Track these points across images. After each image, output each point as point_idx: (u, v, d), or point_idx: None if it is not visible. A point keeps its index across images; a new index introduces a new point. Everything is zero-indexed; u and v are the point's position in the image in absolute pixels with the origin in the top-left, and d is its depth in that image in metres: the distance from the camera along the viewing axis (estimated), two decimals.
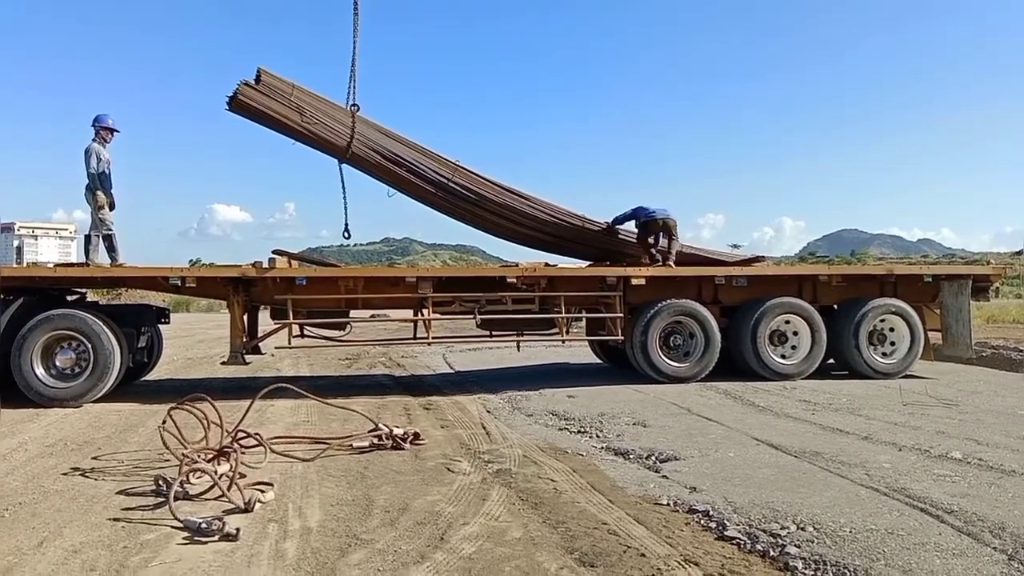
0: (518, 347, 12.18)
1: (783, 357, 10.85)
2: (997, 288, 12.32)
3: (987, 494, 5.01)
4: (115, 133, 10.44)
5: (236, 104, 10.27)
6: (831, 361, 11.28)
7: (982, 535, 4.19)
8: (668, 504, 4.95)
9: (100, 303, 11.68)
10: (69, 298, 10.42)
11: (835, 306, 11.33)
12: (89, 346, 9.21)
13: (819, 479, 5.48)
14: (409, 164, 10.80)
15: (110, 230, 10.26)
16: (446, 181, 10.91)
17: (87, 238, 10.31)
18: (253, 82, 10.27)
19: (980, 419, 7.85)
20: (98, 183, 10.15)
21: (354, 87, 10.78)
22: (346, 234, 11.77)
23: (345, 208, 11.79)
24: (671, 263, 11.07)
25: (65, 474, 5.86)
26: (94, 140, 10.23)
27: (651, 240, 11.42)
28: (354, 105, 10.70)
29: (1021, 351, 13.66)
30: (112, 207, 10.31)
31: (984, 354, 13.29)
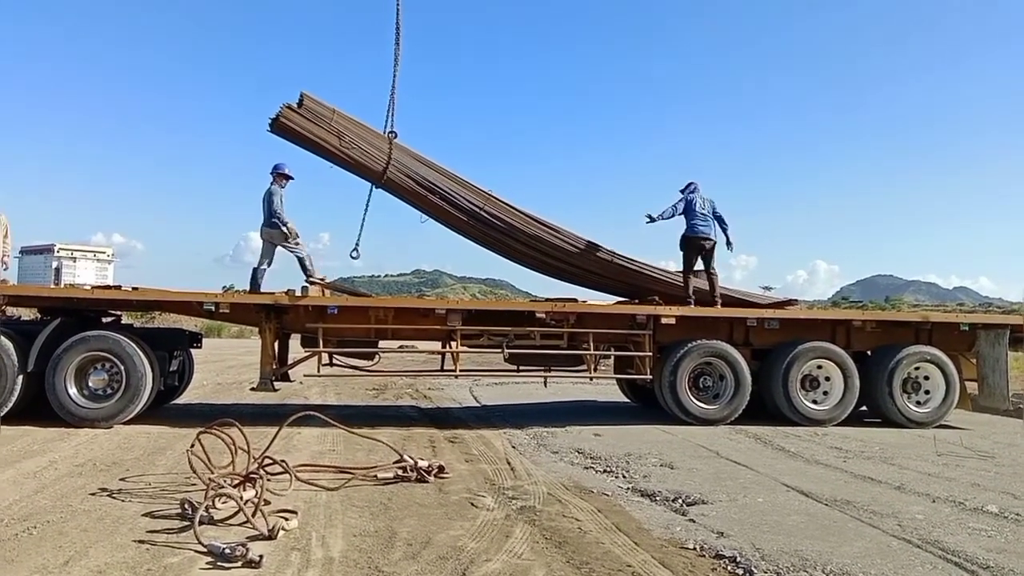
0: (545, 383, 12.13)
1: (815, 402, 10.69)
2: None
3: None
4: (290, 180, 11.21)
5: (278, 126, 10.53)
6: (863, 408, 11.09)
7: None
8: (695, 548, 4.87)
9: (134, 326, 11.84)
10: (104, 320, 10.58)
11: (869, 352, 11.15)
12: (122, 368, 9.32)
13: (850, 528, 5.37)
14: (442, 192, 10.94)
15: (302, 254, 11.04)
16: (478, 210, 11.01)
17: (255, 272, 11.00)
18: (296, 105, 10.54)
19: (1017, 472, 7.65)
20: (282, 220, 10.83)
21: (392, 115, 11.02)
22: (355, 253, 11.72)
23: (361, 228, 11.94)
24: (717, 301, 11.04)
25: (93, 494, 5.91)
26: (273, 184, 10.99)
27: (694, 263, 11.36)
28: (392, 132, 10.93)
29: None
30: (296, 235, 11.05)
31: (1022, 406, 12.98)
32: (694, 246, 11.26)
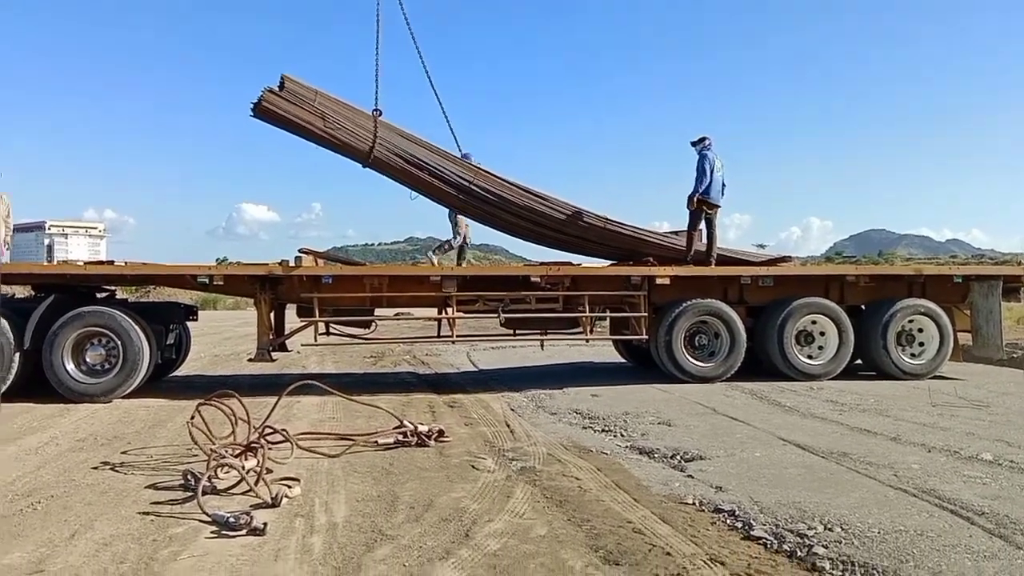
0: (542, 346, 12.17)
1: (810, 357, 10.76)
2: None
3: (1019, 496, 4.93)
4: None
5: (260, 110, 10.37)
6: (859, 362, 11.17)
7: (1014, 537, 4.13)
8: (694, 503, 4.93)
9: (129, 300, 11.82)
10: (99, 295, 10.56)
11: (863, 306, 11.21)
12: (119, 343, 9.33)
13: (847, 480, 5.43)
14: (431, 168, 10.83)
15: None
16: (468, 184, 10.92)
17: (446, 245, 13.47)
18: (277, 88, 10.35)
19: (1011, 420, 7.73)
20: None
21: (377, 92, 10.85)
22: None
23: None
24: (713, 260, 11.04)
25: (95, 468, 5.94)
26: None
27: (701, 225, 11.29)
28: (376, 110, 10.76)
29: None
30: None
31: (1015, 355, 13.10)
32: (703, 209, 11.17)
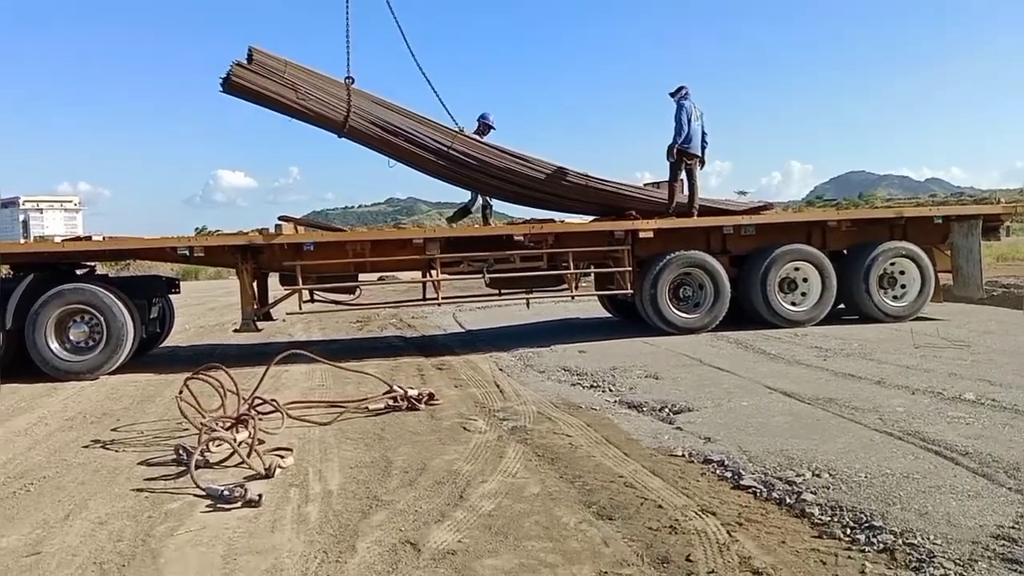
0: (528, 304, 12.19)
1: (793, 304, 10.84)
2: (1008, 227, 12.22)
3: (1001, 435, 5.02)
4: (492, 129, 12.08)
5: (231, 85, 10.09)
6: (842, 306, 11.27)
7: (997, 476, 4.22)
8: (683, 455, 5.00)
9: (109, 276, 11.72)
10: (78, 272, 10.46)
11: (845, 251, 11.27)
12: (102, 319, 9.27)
13: (833, 425, 5.51)
14: (408, 134, 10.64)
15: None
16: (446, 149, 10.77)
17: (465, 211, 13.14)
18: (246, 62, 10.06)
19: (992, 359, 7.85)
20: None
21: (349, 59, 10.57)
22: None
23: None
24: (695, 212, 11.00)
25: (86, 447, 5.94)
26: (476, 131, 11.65)
27: (683, 175, 11.19)
28: (349, 78, 10.46)
29: None
30: None
31: (995, 293, 13.26)
32: (682, 160, 11.08)
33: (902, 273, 11.08)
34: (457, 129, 11.09)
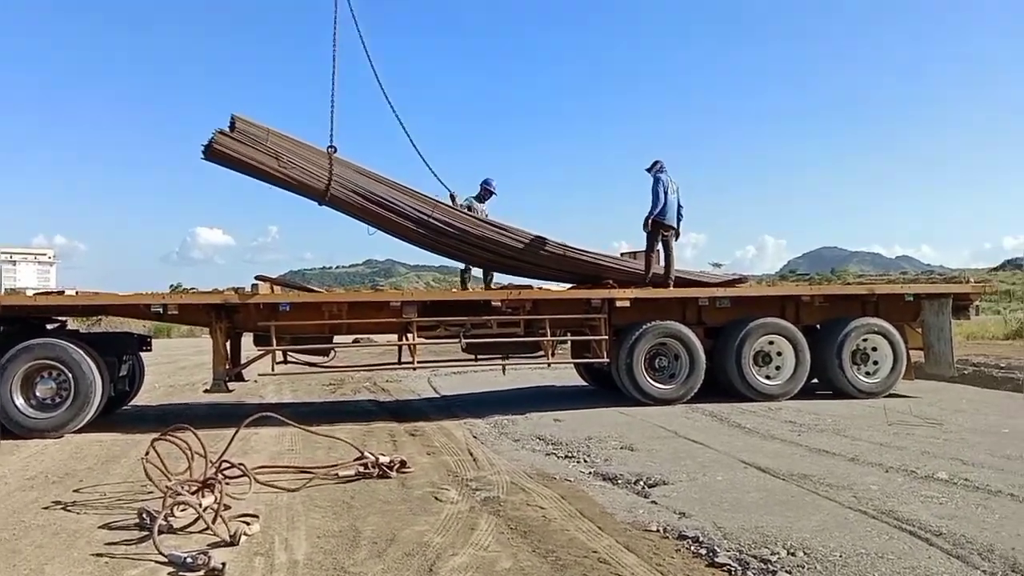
0: (503, 370, 12.15)
1: (768, 378, 10.89)
2: (978, 306, 12.42)
3: (974, 515, 5.03)
4: (493, 195, 12.53)
5: (212, 153, 10.09)
6: (815, 381, 11.33)
7: (971, 557, 4.20)
8: (658, 530, 4.94)
9: (81, 331, 11.55)
10: (49, 326, 10.30)
11: (818, 326, 11.38)
12: (70, 375, 9.09)
13: (808, 502, 5.48)
14: (389, 203, 10.69)
15: None
16: (426, 218, 10.83)
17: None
18: (228, 129, 10.10)
19: (964, 438, 7.89)
20: None
21: (332, 128, 10.67)
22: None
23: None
24: (671, 282, 11.11)
25: (46, 508, 5.76)
26: (476, 197, 12.29)
27: (659, 246, 11.35)
28: (331, 147, 10.56)
29: (1002, 368, 13.76)
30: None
31: (966, 372, 13.39)
32: (659, 231, 11.25)
33: (874, 350, 11.20)
34: (449, 193, 11.42)
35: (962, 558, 4.20)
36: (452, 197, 11.73)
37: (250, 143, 10.14)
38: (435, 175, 11.63)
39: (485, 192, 12.50)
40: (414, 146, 11.45)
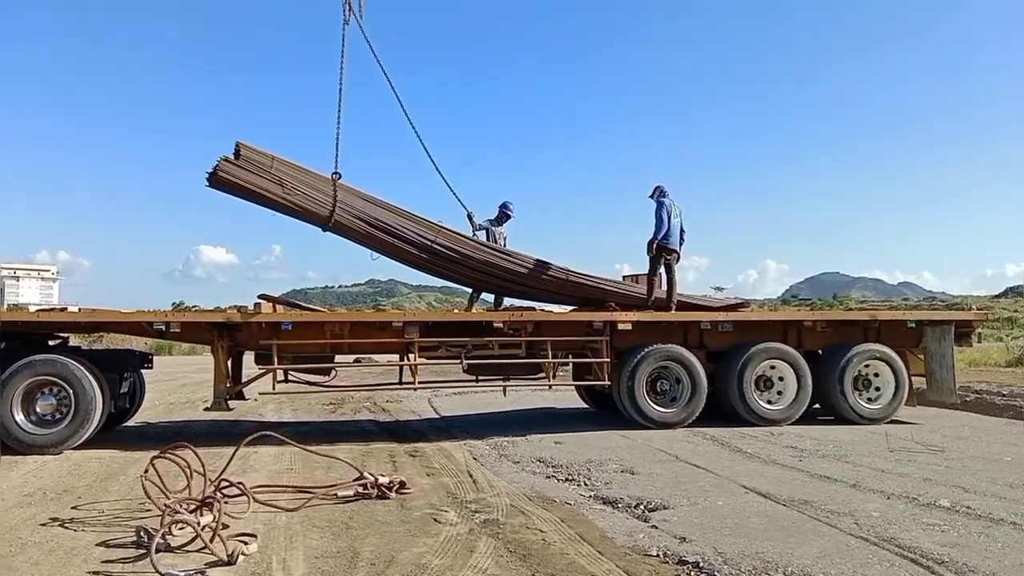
0: (504, 392, 12.12)
1: (769, 403, 10.86)
2: (979, 333, 12.40)
3: (976, 543, 5.00)
4: (510, 218, 12.77)
5: (217, 180, 10.16)
6: (817, 406, 11.29)
7: None
8: (658, 555, 4.91)
9: (82, 348, 11.55)
10: (51, 342, 10.31)
11: (820, 351, 11.37)
12: (71, 392, 9.09)
13: (809, 528, 5.45)
14: (392, 229, 10.75)
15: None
16: (430, 243, 10.89)
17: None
18: (233, 157, 10.16)
19: (966, 466, 7.86)
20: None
21: (337, 155, 10.77)
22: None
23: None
24: (673, 306, 11.13)
25: (44, 525, 5.74)
26: (494, 219, 12.56)
27: (662, 270, 11.40)
28: (336, 173, 10.65)
29: (1004, 395, 13.72)
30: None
31: (968, 399, 13.35)
32: (662, 255, 11.31)
33: (876, 375, 11.18)
34: (468, 213, 11.77)
35: None
36: (470, 217, 11.88)
37: (255, 170, 10.19)
38: (455, 196, 11.90)
39: (503, 215, 12.66)
40: (435, 166, 11.62)
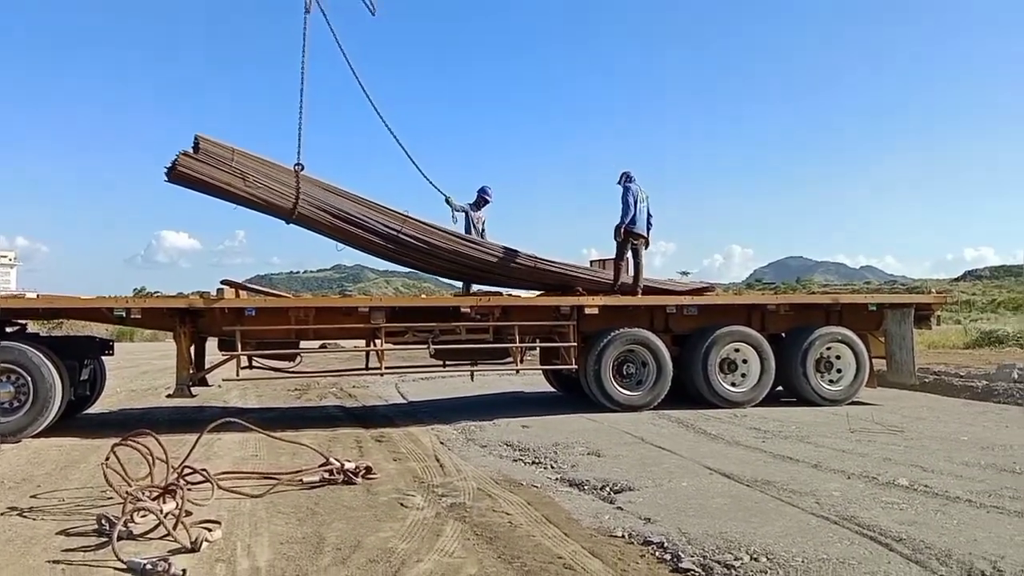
0: (472, 377, 12.12)
1: (733, 385, 10.99)
2: (939, 316, 12.64)
3: (933, 521, 5.11)
4: (488, 202, 12.66)
5: (176, 175, 9.92)
6: (780, 388, 11.45)
7: (929, 563, 4.27)
8: (623, 536, 4.95)
9: (41, 335, 11.33)
10: (8, 329, 10.10)
11: (783, 334, 11.52)
12: (29, 379, 8.92)
13: (771, 508, 5.53)
14: (357, 220, 10.63)
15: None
16: (396, 233, 10.80)
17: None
18: (192, 151, 9.92)
19: (924, 445, 8.02)
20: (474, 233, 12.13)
21: (300, 146, 10.56)
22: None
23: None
24: (639, 290, 11.20)
25: (2, 514, 5.63)
26: (473, 204, 12.41)
27: (629, 255, 11.45)
28: (298, 164, 10.47)
29: (962, 377, 14.02)
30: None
31: (927, 380, 13.62)
32: (629, 240, 11.35)
33: (838, 358, 11.35)
34: (445, 198, 11.74)
35: (921, 563, 4.27)
36: (448, 201, 11.81)
37: (215, 164, 9.96)
38: (429, 181, 11.79)
39: (481, 200, 12.59)
40: (406, 152, 11.50)
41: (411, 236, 10.86)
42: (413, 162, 11.68)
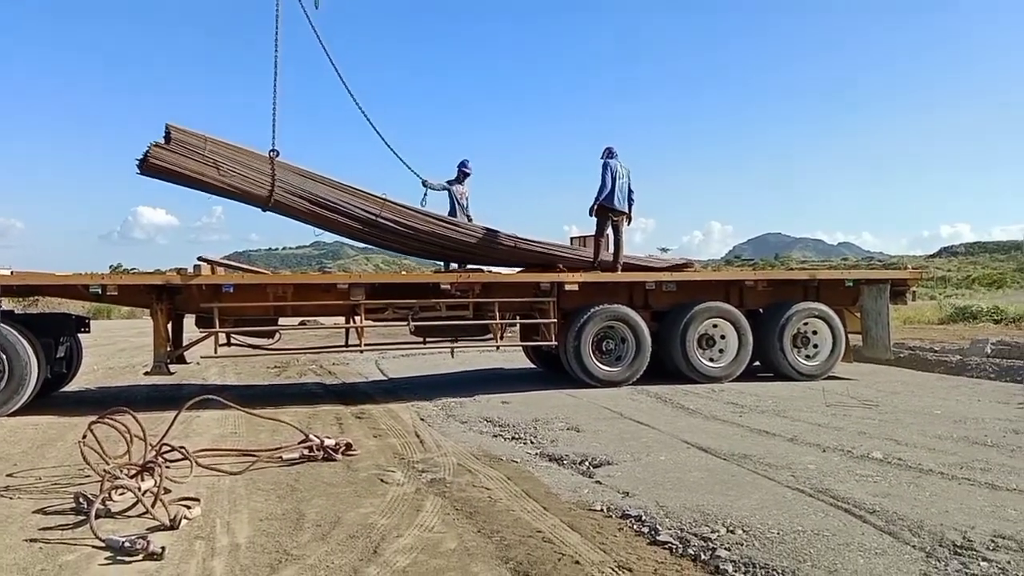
0: (452, 353, 12.13)
1: (711, 360, 11.08)
2: (914, 292, 12.78)
3: (906, 493, 5.19)
4: (469, 175, 12.62)
5: (148, 167, 9.77)
6: (757, 363, 11.56)
7: (902, 533, 4.34)
8: (602, 510, 4.99)
9: (16, 312, 11.20)
10: None
11: (761, 310, 11.60)
12: (4, 357, 8.84)
13: (747, 481, 5.60)
14: (335, 205, 10.55)
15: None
16: (375, 217, 10.73)
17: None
18: (163, 142, 9.77)
19: (899, 419, 8.14)
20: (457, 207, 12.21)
21: (274, 132, 10.43)
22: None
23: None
24: (619, 267, 11.24)
25: None
26: (454, 179, 12.42)
27: (608, 231, 11.48)
28: (273, 151, 10.33)
29: (936, 351, 14.22)
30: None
31: (902, 355, 13.79)
32: (607, 216, 11.36)
33: (815, 333, 11.47)
34: (422, 180, 11.58)
35: (894, 534, 4.34)
36: (425, 183, 11.71)
37: (187, 154, 9.81)
38: (404, 163, 11.72)
39: (462, 174, 12.54)
40: (379, 134, 11.38)
41: (390, 220, 10.80)
42: (386, 143, 11.54)
